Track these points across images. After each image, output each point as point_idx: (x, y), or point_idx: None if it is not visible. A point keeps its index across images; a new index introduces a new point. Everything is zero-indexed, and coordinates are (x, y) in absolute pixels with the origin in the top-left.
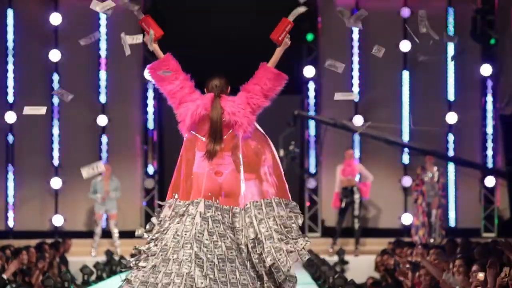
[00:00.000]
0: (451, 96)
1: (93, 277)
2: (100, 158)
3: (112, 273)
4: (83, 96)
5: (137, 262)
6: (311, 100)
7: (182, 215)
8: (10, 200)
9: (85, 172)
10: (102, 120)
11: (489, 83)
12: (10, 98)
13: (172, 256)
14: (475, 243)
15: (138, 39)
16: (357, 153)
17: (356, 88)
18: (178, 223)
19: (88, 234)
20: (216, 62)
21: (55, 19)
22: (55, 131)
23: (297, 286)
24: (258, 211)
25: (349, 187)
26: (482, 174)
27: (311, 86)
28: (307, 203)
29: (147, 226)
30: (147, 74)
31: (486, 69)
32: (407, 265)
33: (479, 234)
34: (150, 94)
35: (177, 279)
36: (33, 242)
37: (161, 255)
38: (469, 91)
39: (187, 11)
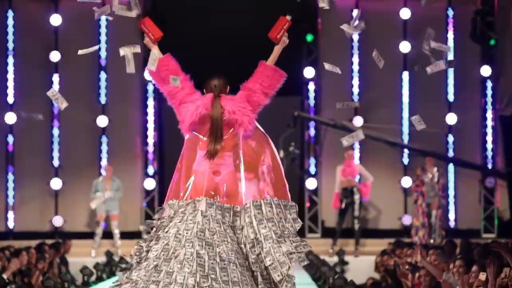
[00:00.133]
0: (451, 97)
1: (93, 278)
2: (100, 159)
3: (112, 274)
4: (83, 96)
5: (139, 261)
6: (311, 101)
7: (183, 214)
8: (10, 200)
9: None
10: (102, 121)
11: (489, 84)
12: (10, 99)
13: (174, 255)
14: (475, 243)
15: (136, 48)
16: (357, 153)
17: (356, 89)
18: (179, 222)
19: (88, 235)
20: (216, 62)
21: (55, 20)
22: (55, 131)
23: (295, 287)
24: (257, 211)
25: (349, 187)
26: (482, 175)
27: (311, 87)
28: (307, 204)
29: (147, 223)
30: (147, 75)
31: (485, 70)
32: (406, 266)
33: (479, 235)
34: (150, 94)
35: (179, 278)
36: (33, 243)
37: (163, 254)
38: (468, 92)
39: (187, 11)
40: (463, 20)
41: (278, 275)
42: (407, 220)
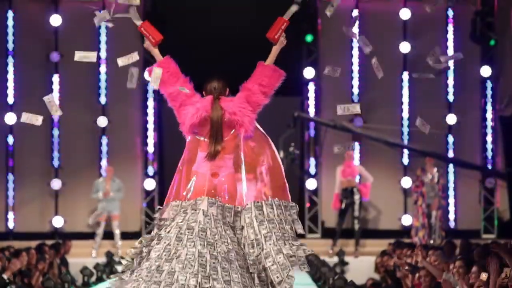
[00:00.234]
0: (450, 97)
1: (93, 279)
2: (100, 160)
3: (112, 274)
4: (83, 97)
5: (140, 260)
6: (311, 102)
7: (185, 214)
8: (10, 201)
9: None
10: (102, 121)
11: (489, 85)
12: (10, 100)
13: (176, 255)
14: (474, 244)
15: (134, 57)
16: (357, 154)
17: (356, 89)
18: (181, 222)
19: (88, 235)
20: (216, 62)
21: (55, 20)
22: (55, 132)
23: (295, 287)
24: (258, 211)
25: (349, 188)
26: (482, 176)
27: (311, 87)
28: (307, 204)
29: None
30: (147, 75)
31: (485, 71)
32: (406, 267)
33: (479, 235)
34: (150, 95)
35: (180, 278)
36: (33, 243)
37: (165, 255)
38: (468, 92)
39: (187, 11)
40: (463, 20)
41: (278, 277)
42: (407, 220)
